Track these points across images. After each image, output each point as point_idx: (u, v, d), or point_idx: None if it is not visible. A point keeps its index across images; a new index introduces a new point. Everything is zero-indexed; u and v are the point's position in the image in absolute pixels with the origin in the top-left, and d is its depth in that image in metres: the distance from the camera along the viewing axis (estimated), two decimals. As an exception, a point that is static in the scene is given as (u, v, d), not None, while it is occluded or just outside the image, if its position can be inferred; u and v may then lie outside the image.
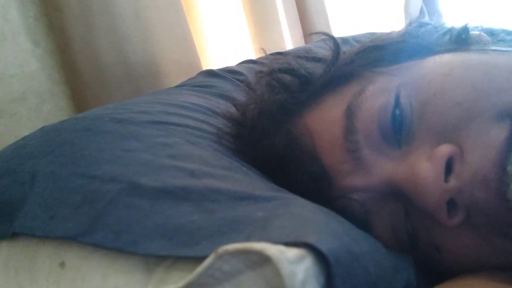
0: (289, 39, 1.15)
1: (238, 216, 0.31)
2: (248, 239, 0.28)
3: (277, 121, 0.45)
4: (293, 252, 0.25)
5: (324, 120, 0.42)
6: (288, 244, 0.26)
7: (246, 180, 0.38)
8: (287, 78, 0.48)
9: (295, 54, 0.55)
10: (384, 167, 0.38)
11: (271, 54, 0.68)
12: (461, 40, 0.45)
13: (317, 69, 0.47)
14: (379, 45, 0.47)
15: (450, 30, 0.47)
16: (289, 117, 0.45)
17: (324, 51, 0.57)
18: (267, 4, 1.08)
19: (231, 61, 0.90)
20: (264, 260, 0.26)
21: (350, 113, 0.40)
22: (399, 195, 0.37)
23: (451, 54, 0.43)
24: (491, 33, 0.48)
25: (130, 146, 0.39)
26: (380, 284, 0.30)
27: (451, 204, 0.35)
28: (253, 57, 1.00)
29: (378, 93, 0.40)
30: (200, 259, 0.28)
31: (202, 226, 0.31)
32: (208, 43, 0.98)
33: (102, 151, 0.38)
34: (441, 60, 0.41)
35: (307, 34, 1.16)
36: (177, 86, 0.67)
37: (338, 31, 1.34)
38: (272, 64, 0.51)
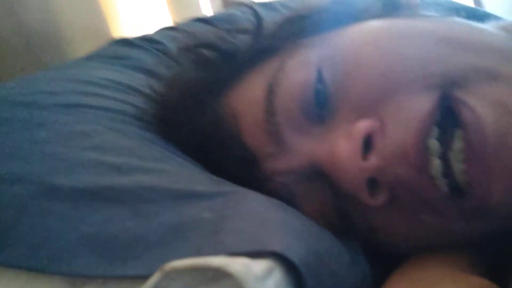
0: (208, 3, 1.09)
1: (181, 219, 0.27)
2: (198, 249, 0.24)
3: (201, 102, 0.41)
4: (260, 266, 0.22)
5: (246, 100, 0.39)
6: (251, 254, 0.23)
7: (183, 173, 0.33)
8: (210, 53, 0.44)
9: (219, 24, 0.50)
10: (304, 147, 0.35)
11: (193, 21, 0.63)
12: (389, 4, 0.43)
13: (241, 42, 0.44)
14: (303, 14, 0.44)
15: None
16: (214, 97, 0.41)
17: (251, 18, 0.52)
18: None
19: (145, 28, 0.82)
20: (222, 275, 0.22)
21: (270, 92, 0.37)
22: (323, 176, 0.35)
23: (378, 20, 0.40)
24: None
25: (37, 136, 0.33)
26: (343, 283, 0.28)
27: (373, 183, 0.33)
28: (169, 23, 0.93)
29: (298, 68, 0.37)
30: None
31: (139, 234, 0.26)
32: (118, 7, 0.89)
33: (4, 144, 0.32)
34: (367, 27, 0.39)
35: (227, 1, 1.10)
36: (87, 58, 0.59)
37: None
38: (194, 37, 0.47)
